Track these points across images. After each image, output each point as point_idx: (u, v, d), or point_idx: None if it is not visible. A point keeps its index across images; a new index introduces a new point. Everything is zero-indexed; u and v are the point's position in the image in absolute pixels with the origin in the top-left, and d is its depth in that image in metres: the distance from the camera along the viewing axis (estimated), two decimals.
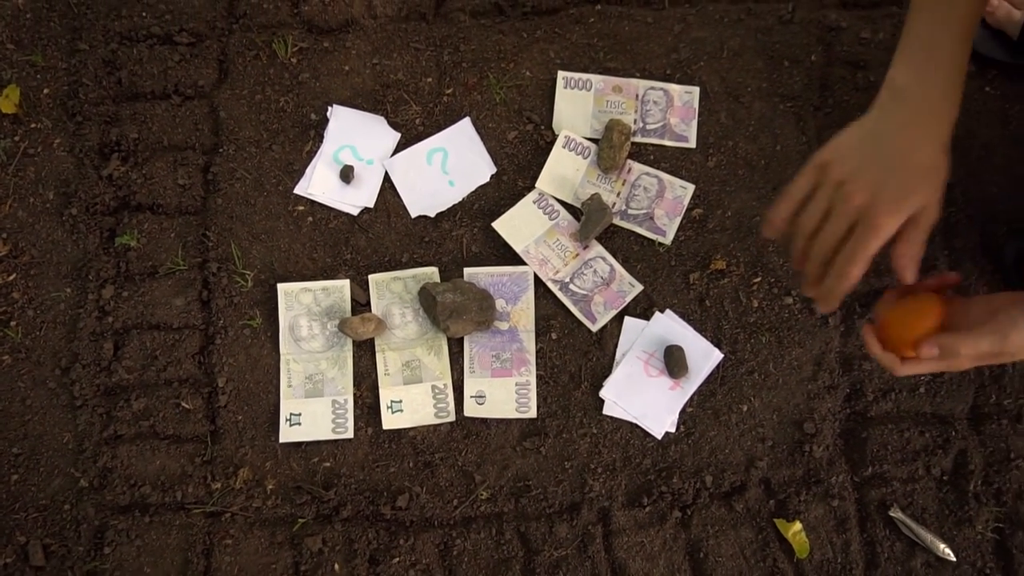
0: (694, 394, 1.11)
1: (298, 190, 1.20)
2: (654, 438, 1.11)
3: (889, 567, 1.07)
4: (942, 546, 1.02)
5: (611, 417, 1.11)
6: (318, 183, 1.19)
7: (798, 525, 1.07)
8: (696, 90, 1.22)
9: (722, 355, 1.12)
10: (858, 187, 0.65)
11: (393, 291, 1.16)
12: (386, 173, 1.21)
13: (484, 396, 1.13)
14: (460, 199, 1.19)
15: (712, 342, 1.13)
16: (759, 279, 1.15)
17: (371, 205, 1.19)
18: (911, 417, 1.11)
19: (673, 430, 1.11)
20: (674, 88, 1.22)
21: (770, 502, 1.09)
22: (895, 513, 1.04)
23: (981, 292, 1.14)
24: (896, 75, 0.68)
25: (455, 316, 1.11)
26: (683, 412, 1.11)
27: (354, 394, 1.14)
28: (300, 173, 1.19)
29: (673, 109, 1.21)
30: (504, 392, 1.13)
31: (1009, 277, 1.12)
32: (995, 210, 1.17)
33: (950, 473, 1.10)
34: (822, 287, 0.68)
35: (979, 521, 1.08)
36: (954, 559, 1.04)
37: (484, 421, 1.12)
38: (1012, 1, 1.13)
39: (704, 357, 1.13)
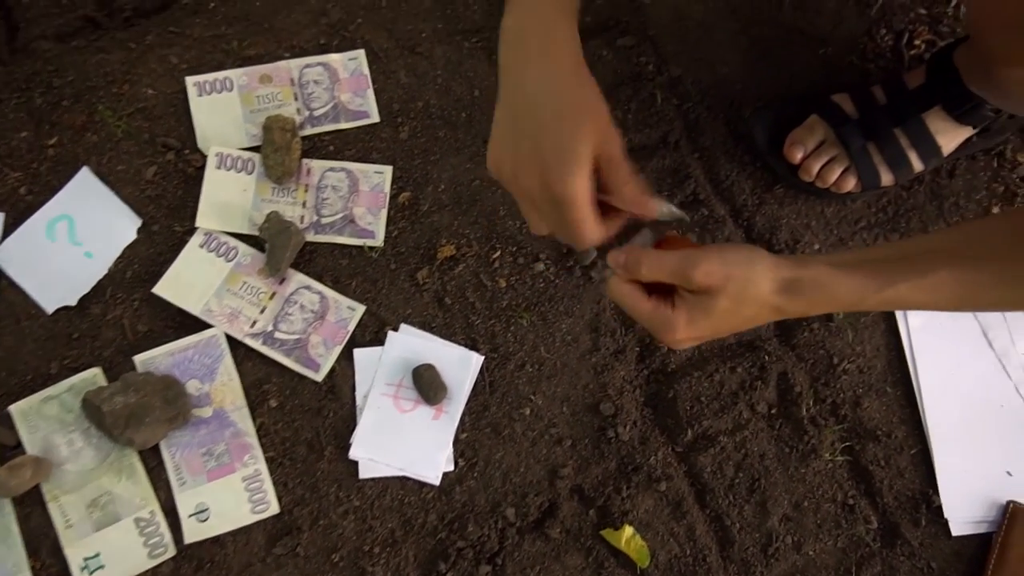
0: (463, 415, 1.00)
1: None
2: (431, 486, 0.99)
3: (746, 536, 0.98)
4: None
5: (372, 479, 0.98)
6: None
7: (629, 530, 0.97)
8: (361, 53, 1.11)
9: (482, 357, 1.02)
10: (525, 175, 0.63)
11: (47, 416, 0.97)
12: None
13: (207, 509, 0.98)
14: (105, 271, 1.03)
15: (467, 345, 1.02)
16: (498, 253, 1.04)
17: None
18: (716, 356, 1.03)
19: (451, 468, 0.99)
20: (335, 58, 1.10)
21: (590, 513, 0.99)
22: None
23: (747, 191, 1.07)
24: (506, 22, 0.65)
25: (135, 422, 0.95)
26: (457, 442, 1.00)
27: (32, 568, 0.95)
28: None
29: (340, 83, 1.08)
30: (231, 495, 0.98)
31: (769, 161, 1.06)
32: (732, 93, 1.11)
33: (777, 404, 1.02)
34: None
35: (824, 447, 1.01)
36: None
37: (216, 540, 0.96)
38: None
39: (462, 366, 1.01)
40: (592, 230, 0.63)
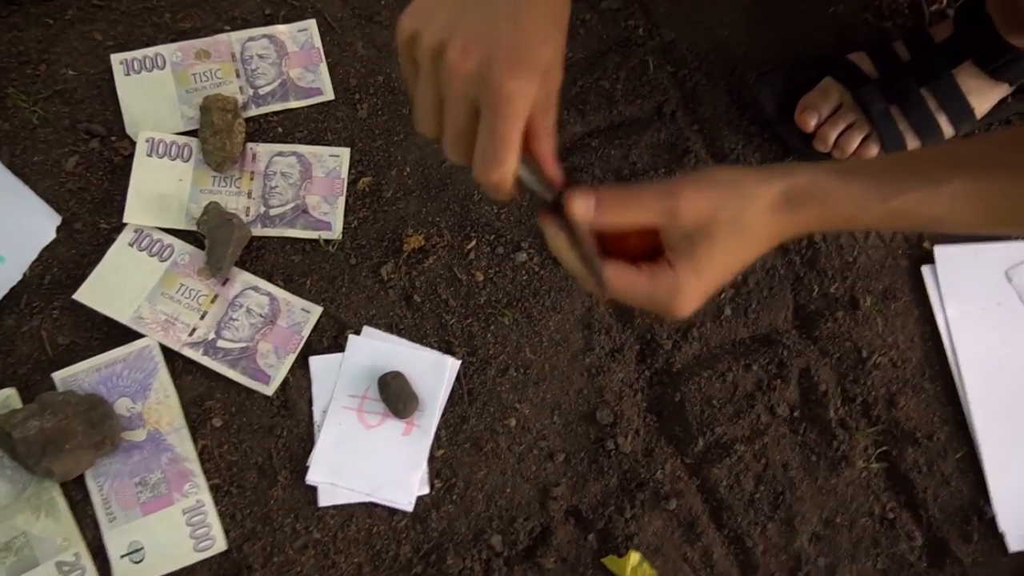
0: (438, 429, 0.90)
1: None
2: (403, 512, 0.88)
3: (770, 559, 0.88)
4: None
5: (334, 507, 0.88)
6: None
7: (635, 556, 0.87)
8: (312, 23, 1.01)
9: (459, 361, 0.92)
10: (461, 49, 0.49)
11: None
12: None
13: (141, 548, 0.87)
14: (20, 277, 0.93)
15: (440, 349, 0.92)
16: (474, 243, 0.95)
17: None
18: (728, 352, 0.95)
19: (426, 491, 0.89)
20: (282, 30, 1.00)
21: (588, 538, 0.89)
22: None
23: (754, 165, 0.97)
24: None
25: (53, 450, 0.84)
26: (432, 461, 0.90)
27: None
28: None
29: (289, 58, 0.98)
30: (169, 531, 0.87)
31: (778, 131, 0.96)
32: (734, 57, 1.02)
33: (800, 406, 0.93)
34: (483, 185, 0.53)
35: (857, 454, 0.92)
36: None
37: None
38: None
39: (435, 373, 0.91)
40: (512, 156, 0.51)
